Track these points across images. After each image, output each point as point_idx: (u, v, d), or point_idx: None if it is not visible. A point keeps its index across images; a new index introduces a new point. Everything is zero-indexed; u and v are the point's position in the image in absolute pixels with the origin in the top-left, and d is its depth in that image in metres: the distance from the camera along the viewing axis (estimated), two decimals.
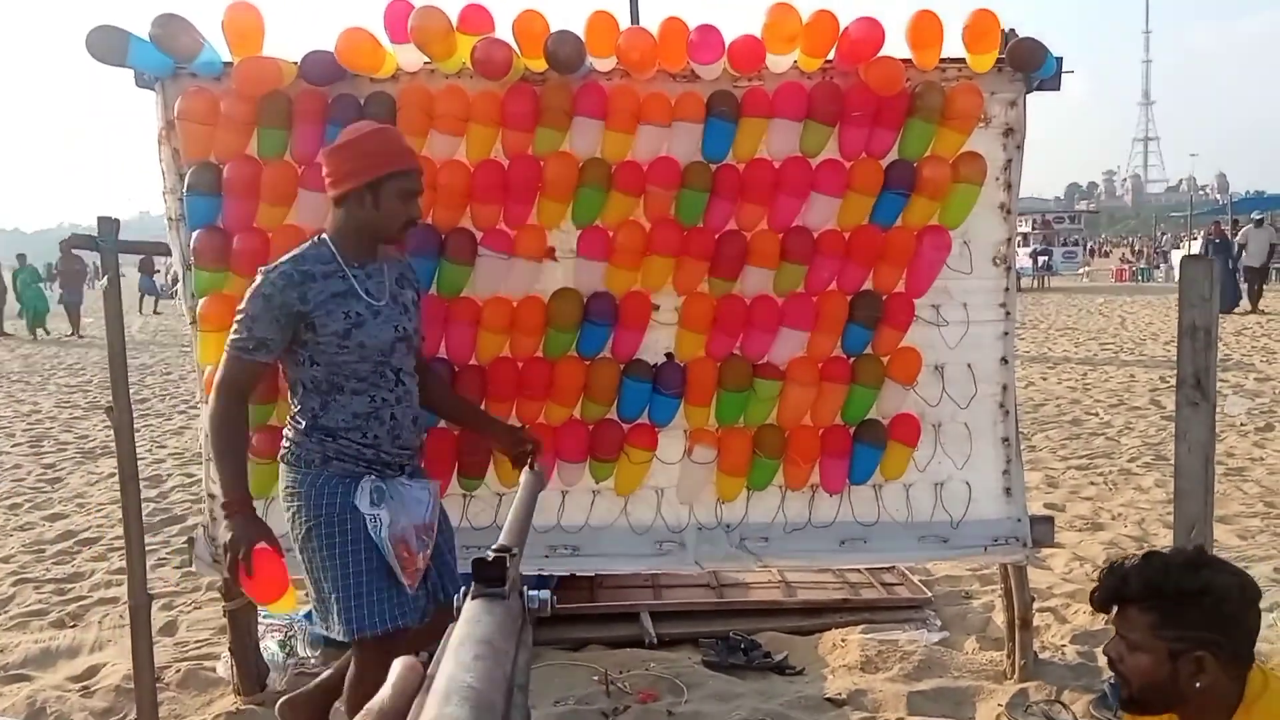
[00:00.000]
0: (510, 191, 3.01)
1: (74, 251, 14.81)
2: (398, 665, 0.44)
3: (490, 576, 0.44)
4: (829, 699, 3.37)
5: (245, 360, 2.41)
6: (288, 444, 2.52)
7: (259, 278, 2.43)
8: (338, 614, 2.41)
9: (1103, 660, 2.28)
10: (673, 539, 3.26)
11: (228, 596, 3.32)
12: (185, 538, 4.41)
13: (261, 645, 3.53)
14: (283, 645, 3.55)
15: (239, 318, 2.42)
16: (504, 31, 2.89)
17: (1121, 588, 1.87)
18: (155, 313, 25.34)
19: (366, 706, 0.43)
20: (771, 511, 3.27)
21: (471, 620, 0.40)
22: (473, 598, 0.43)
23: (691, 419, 3.18)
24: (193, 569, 3.43)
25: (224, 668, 3.57)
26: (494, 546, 0.45)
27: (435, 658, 0.39)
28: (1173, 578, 1.84)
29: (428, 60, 2.95)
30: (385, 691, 0.43)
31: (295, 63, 2.95)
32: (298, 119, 2.97)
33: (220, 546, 2.71)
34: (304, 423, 2.47)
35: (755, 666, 3.64)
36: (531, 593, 0.49)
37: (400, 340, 2.52)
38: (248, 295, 2.42)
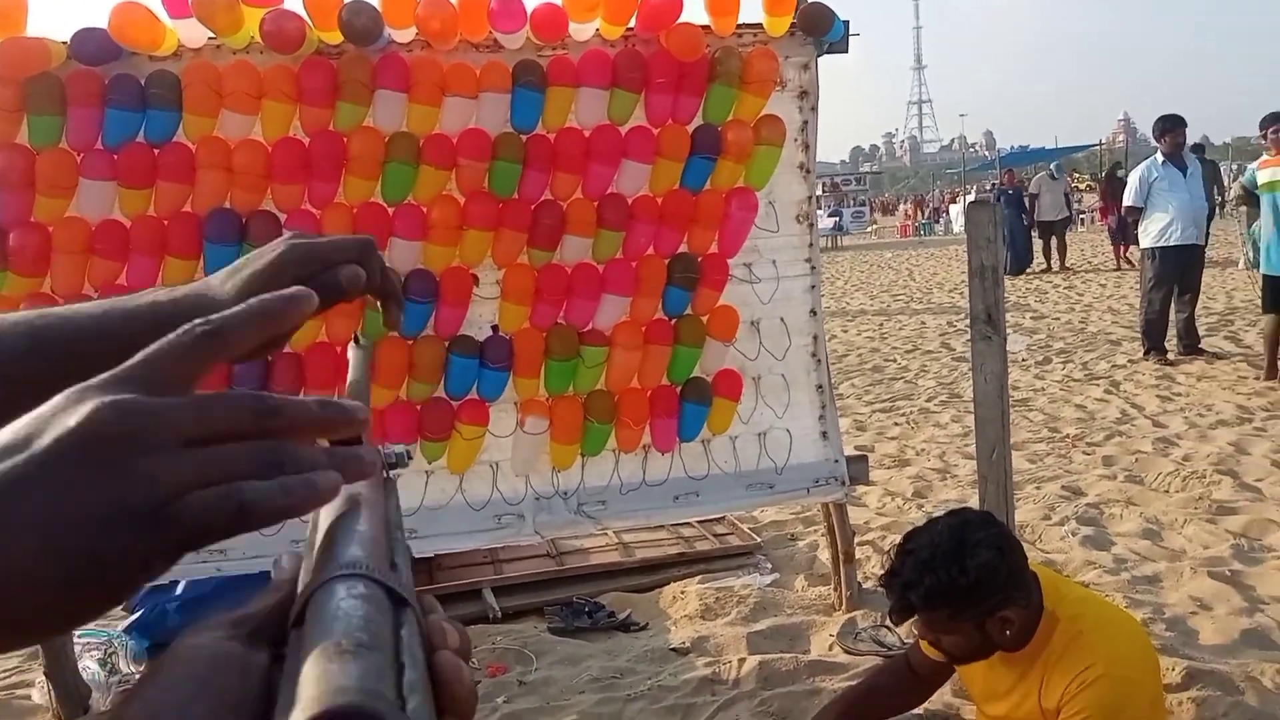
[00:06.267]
0: (313, 170, 2.91)
1: None
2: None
3: (343, 439, 0.43)
4: (674, 649, 3.47)
5: None
6: None
7: None
8: None
9: None
10: (511, 511, 3.26)
11: None
12: None
13: (80, 666, 3.29)
14: (103, 663, 3.33)
15: None
16: (294, 3, 2.78)
17: (909, 607, 2.01)
18: None
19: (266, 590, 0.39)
20: (607, 475, 3.32)
21: None
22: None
23: (521, 390, 3.18)
24: None
25: (40, 694, 3.31)
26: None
27: (312, 522, 0.39)
28: (946, 580, 1.93)
29: (212, 35, 2.80)
30: (286, 568, 0.40)
31: (65, 42, 2.73)
32: (72, 102, 2.75)
33: None
34: None
35: (600, 627, 3.70)
36: (388, 448, 0.49)
37: None
38: None
